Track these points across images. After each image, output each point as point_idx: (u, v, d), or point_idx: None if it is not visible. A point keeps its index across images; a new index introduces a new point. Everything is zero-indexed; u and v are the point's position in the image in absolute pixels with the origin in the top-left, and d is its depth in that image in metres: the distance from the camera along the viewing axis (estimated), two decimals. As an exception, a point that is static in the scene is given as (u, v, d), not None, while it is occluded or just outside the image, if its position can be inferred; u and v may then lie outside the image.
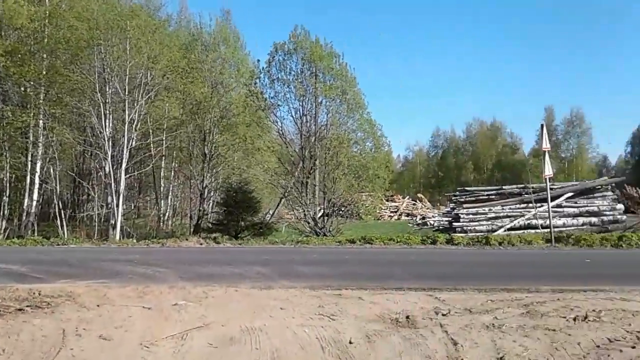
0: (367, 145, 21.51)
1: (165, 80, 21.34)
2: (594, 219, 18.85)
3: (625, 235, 14.55)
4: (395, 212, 34.55)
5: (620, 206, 20.09)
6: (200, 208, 22.88)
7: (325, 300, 6.28)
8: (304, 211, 19.49)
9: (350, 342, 4.61)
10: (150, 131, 22.60)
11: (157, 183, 26.90)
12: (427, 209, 37.10)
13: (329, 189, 19.95)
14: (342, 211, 21.06)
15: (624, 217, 19.67)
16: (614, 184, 23.86)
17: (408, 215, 34.06)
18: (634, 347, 4.43)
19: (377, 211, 28.83)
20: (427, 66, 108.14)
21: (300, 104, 20.89)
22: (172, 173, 27.14)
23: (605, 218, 18.94)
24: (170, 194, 27.10)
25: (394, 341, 4.67)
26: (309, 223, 18.99)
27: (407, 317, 5.43)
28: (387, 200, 34.68)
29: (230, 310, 5.69)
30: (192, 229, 22.00)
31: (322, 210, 20.17)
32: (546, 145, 15.82)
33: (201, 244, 15.50)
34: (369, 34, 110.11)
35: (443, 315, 5.54)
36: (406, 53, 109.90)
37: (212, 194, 24.25)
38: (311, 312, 5.63)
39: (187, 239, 16.39)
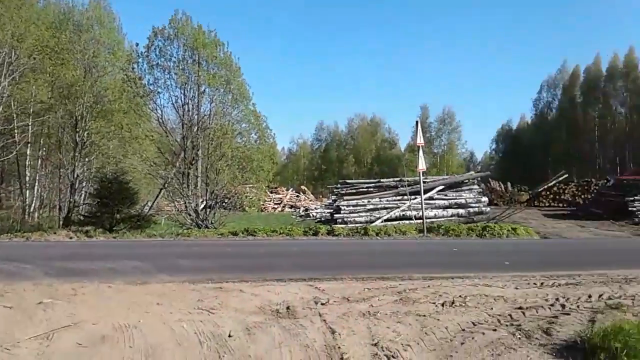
0: (251, 137, 21.29)
1: (32, 61, 19.65)
2: (461, 211, 20.26)
3: (489, 225, 15.86)
4: (279, 203, 34.77)
5: (485, 199, 21.79)
6: (71, 199, 21.39)
7: (205, 293, 6.17)
8: (185, 203, 18.93)
9: (230, 336, 4.58)
10: (15, 115, 20.70)
11: (22, 172, 24.68)
12: (310, 200, 37.74)
13: (212, 181, 19.52)
14: (226, 203, 20.75)
15: (488, 208, 21.36)
16: (479, 178, 25.84)
17: (292, 207, 34.42)
18: (495, 330, 4.82)
19: (261, 203, 28.83)
20: (312, 61, 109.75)
21: (182, 92, 20.07)
22: (39, 161, 25.09)
23: (471, 210, 20.42)
24: (37, 184, 24.98)
25: (273, 332, 4.70)
26: (190, 215, 18.49)
27: (288, 307, 5.49)
28: (272, 192, 34.83)
29: (103, 308, 5.39)
30: (61, 222, 20.50)
31: (204, 202, 19.71)
32: (420, 140, 16.73)
33: (71, 238, 14.50)
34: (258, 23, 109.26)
35: (322, 304, 5.67)
36: (295, 47, 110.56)
37: (84, 184, 22.75)
38: (190, 307, 5.50)
39: (55, 233, 15.27)
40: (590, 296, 6.08)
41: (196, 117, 20.20)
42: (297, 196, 38.08)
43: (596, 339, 4.31)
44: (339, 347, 4.37)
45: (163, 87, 20.05)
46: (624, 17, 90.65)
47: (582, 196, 31.61)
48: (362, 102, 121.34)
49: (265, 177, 21.23)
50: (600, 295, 6.11)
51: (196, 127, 20.00)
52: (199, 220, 18.32)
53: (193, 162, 19.88)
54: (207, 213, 19.03)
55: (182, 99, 20.13)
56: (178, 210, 19.62)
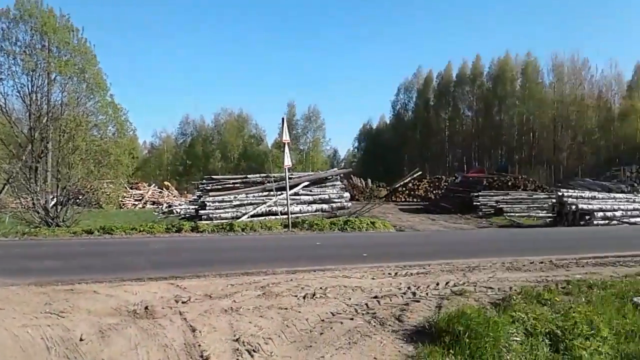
0: (109, 130, 20.06)
1: None
2: (325, 206, 20.86)
3: (350, 219, 16.53)
4: (140, 200, 33.27)
5: (347, 194, 22.66)
6: None
7: (54, 296, 5.68)
8: (33, 199, 17.36)
9: (81, 339, 4.28)
10: None
11: None
12: (174, 196, 36.59)
13: (64, 175, 18.08)
14: (80, 199, 19.39)
15: (350, 204, 22.24)
16: (342, 175, 26.80)
17: (154, 203, 33.12)
18: (352, 319, 5.02)
19: (120, 199, 27.39)
20: (179, 53, 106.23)
21: (29, 79, 18.37)
22: None
23: (334, 204, 21.11)
24: None
25: (130, 334, 4.48)
26: (38, 213, 16.98)
27: (146, 307, 5.25)
28: (132, 188, 33.22)
29: None
30: None
31: (54, 199, 18.23)
32: (286, 137, 16.98)
33: None
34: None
35: (183, 302, 5.50)
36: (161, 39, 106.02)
37: None
38: (36, 311, 5.03)
39: None
40: (438, 284, 6.55)
41: (46, 107, 18.59)
42: (160, 192, 36.71)
43: (442, 324, 4.67)
44: (199, 345, 4.29)
45: (7, 74, 18.17)
46: (474, 27, 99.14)
47: (434, 192, 34.16)
48: (230, 97, 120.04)
49: (124, 172, 20.16)
50: (446, 283, 6.60)
51: (45, 118, 18.41)
52: (49, 219, 16.91)
53: (42, 156, 18.30)
54: (59, 210, 17.62)
55: (30, 87, 18.40)
56: (25, 207, 17.94)
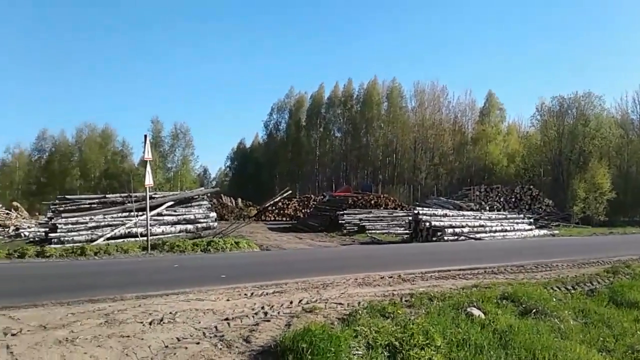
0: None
1: None
2: (190, 227, 20.30)
3: (214, 240, 16.26)
4: (-17, 222, 30.02)
5: (214, 214, 22.24)
6: None
7: None
8: None
9: None
10: None
11: None
12: (24, 218, 33.46)
13: None
14: None
15: (216, 223, 21.85)
16: (210, 194, 26.35)
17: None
18: (198, 343, 4.88)
19: (-43, 222, 24.53)
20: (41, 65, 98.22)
21: None
22: None
23: (199, 225, 20.62)
24: None
25: (-58, 374, 4.00)
26: None
27: (-32, 343, 4.73)
28: (-27, 210, 29.93)
29: None
30: None
31: None
32: (148, 155, 16.36)
33: None
34: None
35: (13, 335, 5.02)
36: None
37: None
38: None
39: None
40: (291, 302, 6.60)
41: None
42: (7, 214, 33.34)
43: (287, 342, 4.70)
44: (23, 382, 3.92)
45: None
46: (348, 51, 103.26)
47: (303, 210, 34.88)
48: (93, 110, 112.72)
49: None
50: (300, 301, 6.68)
51: None
52: None
53: None
54: None
55: None
56: None
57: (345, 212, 26.33)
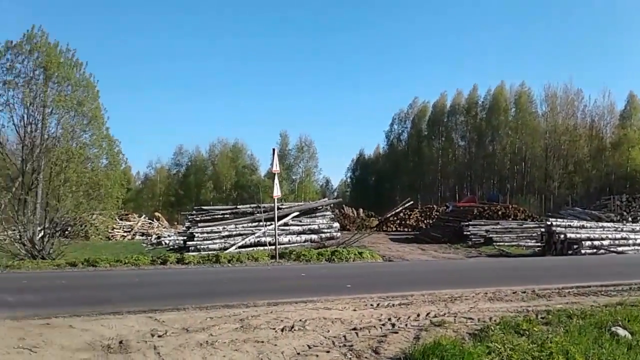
0: (101, 162, 20.09)
1: None
2: (314, 236, 20.80)
3: (338, 250, 16.48)
4: (130, 231, 33.09)
5: (337, 224, 22.61)
6: None
7: (29, 331, 5.61)
8: (20, 232, 17.25)
9: (50, 375, 4.24)
10: None
11: None
12: (164, 228, 36.45)
13: (53, 208, 18.03)
14: (68, 231, 19.27)
15: (339, 234, 22.19)
16: (333, 205, 26.81)
17: (143, 234, 32.95)
18: (328, 352, 4.96)
19: (109, 231, 27.23)
20: (172, 84, 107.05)
21: (26, 111, 18.46)
22: None
23: (323, 235, 21.05)
24: None
25: (101, 369, 4.44)
26: (24, 245, 16.85)
27: (121, 342, 5.20)
28: (121, 219, 33.07)
29: None
30: None
31: (42, 231, 18.10)
32: (276, 168, 17.05)
33: None
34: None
35: (159, 336, 5.45)
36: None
37: None
38: (9, 346, 4.97)
39: None
40: (418, 315, 6.51)
41: (40, 139, 18.65)
42: (150, 223, 36.54)
43: (417, 355, 4.63)
44: (169, 380, 4.24)
45: (4, 105, 18.27)
46: (470, 58, 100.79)
47: (425, 221, 34.26)
48: (224, 126, 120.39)
49: (114, 203, 20.12)
50: (427, 314, 6.56)
51: (38, 150, 18.46)
52: (35, 251, 16.76)
53: (32, 188, 18.27)
54: (45, 242, 17.49)
55: (25, 119, 18.50)
56: (11, 239, 17.80)
57: (470, 223, 25.47)
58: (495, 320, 6.10)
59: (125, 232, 32.73)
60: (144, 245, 25.61)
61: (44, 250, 17.03)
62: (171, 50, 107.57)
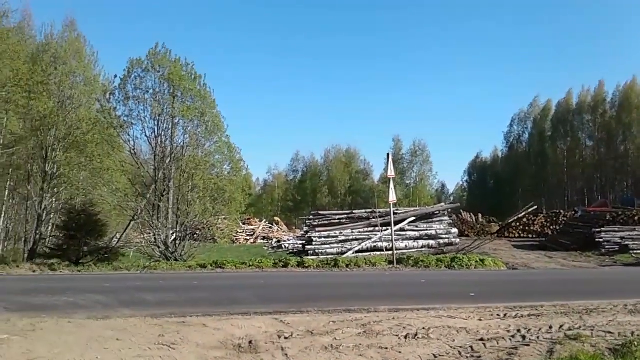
0: (224, 168, 21.26)
1: (5, 93, 19.37)
2: (432, 242, 20.40)
3: (458, 256, 16.01)
4: (252, 235, 34.51)
5: (455, 230, 22.01)
6: (37, 231, 20.89)
7: (167, 328, 6.06)
8: (155, 235, 18.69)
9: (189, 371, 4.52)
10: (-17, 146, 20.30)
11: (-12, 203, 24.09)
12: (283, 232, 37.53)
13: (183, 212, 19.36)
14: (197, 235, 20.55)
15: (458, 240, 21.56)
16: (450, 210, 26.12)
17: (264, 238, 34.19)
18: (455, 362, 4.87)
19: (233, 234, 28.60)
20: (288, 91, 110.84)
21: (156, 123, 20.09)
22: (7, 192, 24.54)
23: (441, 241, 20.59)
24: (3, 215, 24.36)
25: (233, 368, 4.66)
26: (159, 247, 18.23)
27: (250, 342, 5.43)
28: (244, 224, 34.59)
29: (61, 344, 5.25)
30: (26, 255, 20.01)
31: (174, 234, 19.49)
32: (391, 173, 16.98)
33: (34, 272, 14.18)
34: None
35: (286, 338, 5.63)
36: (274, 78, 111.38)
37: (52, 216, 22.28)
38: (150, 342, 5.40)
39: (18, 266, 14.92)
40: (551, 327, 6.16)
41: (169, 148, 20.14)
42: (270, 227, 37.84)
43: (553, 370, 4.39)
44: (299, 382, 4.36)
45: (137, 119, 20.01)
46: (595, 54, 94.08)
47: (551, 227, 32.17)
48: (338, 132, 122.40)
49: (238, 208, 21.14)
50: (560, 326, 6.19)
51: (168, 159, 19.91)
52: (168, 253, 18.08)
53: (164, 194, 19.73)
54: (177, 245, 18.79)
55: (156, 131, 20.10)
56: (148, 242, 19.35)
57: (602, 229, 23.54)
58: (638, 335, 5.61)
59: (248, 235, 34.17)
60: (266, 248, 26.61)
61: (176, 252, 18.31)
62: (285, 58, 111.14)
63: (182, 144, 20.31)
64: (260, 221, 38.54)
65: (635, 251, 21.05)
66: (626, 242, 21.98)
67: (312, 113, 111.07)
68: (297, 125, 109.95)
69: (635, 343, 5.22)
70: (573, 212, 34.18)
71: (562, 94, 65.49)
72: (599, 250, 21.95)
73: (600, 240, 22.62)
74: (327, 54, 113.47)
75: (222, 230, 21.88)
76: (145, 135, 20.12)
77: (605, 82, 59.47)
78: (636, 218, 25.32)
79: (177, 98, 19.98)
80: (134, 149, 20.35)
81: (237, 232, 31.07)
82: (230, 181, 20.57)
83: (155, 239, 18.66)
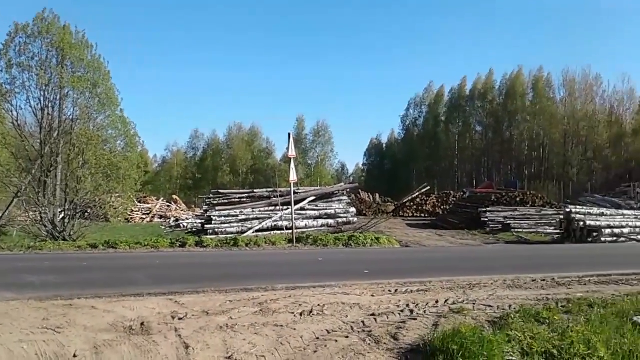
0: (118, 144, 20.26)
1: None
2: (331, 221, 20.83)
3: (355, 235, 16.49)
4: (148, 214, 33.42)
5: (353, 209, 22.60)
6: None
7: (52, 311, 5.71)
8: (41, 213, 17.51)
9: (75, 356, 4.29)
10: None
11: None
12: (182, 210, 36.71)
13: (72, 189, 18.25)
14: (88, 213, 19.51)
15: (356, 219, 22.18)
16: (349, 190, 26.77)
17: (162, 217, 33.25)
18: (347, 337, 4.97)
19: (128, 213, 27.51)
20: (191, 68, 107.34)
21: (42, 93, 18.57)
22: None
23: (340, 220, 21.07)
24: None
25: (123, 350, 4.48)
26: (45, 226, 17.11)
27: (142, 323, 5.26)
28: (140, 202, 33.40)
29: None
30: None
31: (62, 213, 18.36)
32: (292, 152, 17.04)
33: None
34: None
35: (180, 319, 5.51)
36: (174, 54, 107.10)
37: None
38: (34, 326, 5.05)
39: None
40: (437, 302, 6.50)
41: (57, 121, 18.81)
42: (168, 206, 36.85)
43: (437, 342, 4.62)
44: (191, 363, 4.30)
45: (21, 88, 18.42)
46: (487, 42, 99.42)
47: (442, 207, 34.06)
48: (242, 111, 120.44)
49: (133, 186, 20.30)
50: (446, 301, 6.55)
51: (57, 132, 18.63)
52: (56, 232, 17.03)
53: (52, 170, 18.48)
54: (66, 224, 17.74)
55: (42, 102, 18.65)
56: (33, 221, 18.09)
57: (488, 209, 25.28)
58: (514, 308, 6.07)
59: (143, 214, 33.05)
60: (163, 227, 25.85)
61: (65, 231, 17.30)
62: (186, 32, 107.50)
63: (72, 116, 19.02)
64: (158, 199, 37.39)
65: (516, 230, 22.84)
66: (508, 222, 23.79)
67: (214, 90, 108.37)
68: (198, 102, 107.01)
69: (512, 315, 5.66)
70: (462, 193, 36.40)
71: (454, 80, 69.05)
72: (484, 229, 23.59)
73: (486, 219, 24.30)
74: (230, 30, 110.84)
75: (115, 208, 20.88)
76: (30, 106, 18.63)
77: (494, 70, 63.32)
78: (518, 199, 27.40)
79: (66, 67, 18.66)
80: (17, 121, 18.76)
81: (132, 210, 29.95)
82: (124, 157, 19.65)
83: (41, 217, 17.47)
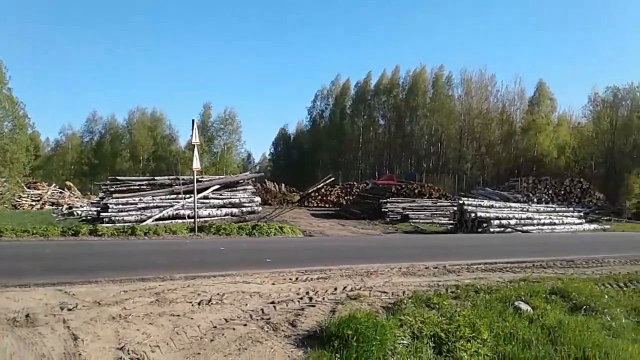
0: (5, 125, 18.83)
1: None
2: (235, 210, 20.64)
3: (259, 224, 16.48)
4: (39, 200, 31.27)
5: (258, 199, 22.55)
6: None
7: None
8: None
9: (-50, 351, 3.98)
10: None
11: None
12: (76, 197, 34.69)
13: (-50, 172, 16.79)
14: (-32, 199, 18.02)
15: (260, 208, 22.15)
16: (254, 179, 26.65)
17: (53, 204, 31.23)
18: (245, 325, 4.99)
19: (15, 199, 25.62)
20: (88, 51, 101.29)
21: None
22: None
23: (244, 209, 20.95)
24: None
25: (5, 343, 4.22)
26: None
27: (27, 315, 4.95)
28: (29, 188, 31.18)
29: None
30: None
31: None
32: (196, 139, 16.67)
33: None
34: None
35: (69, 310, 5.24)
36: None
37: None
38: None
39: None
40: (335, 289, 6.66)
41: None
42: (61, 192, 34.66)
43: (332, 328, 4.75)
44: (80, 354, 4.10)
45: None
46: (395, 39, 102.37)
47: (345, 198, 34.85)
48: (145, 95, 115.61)
49: (21, 170, 19.00)
50: (344, 288, 6.73)
51: None
52: None
53: None
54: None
55: None
56: None
57: (388, 200, 26.18)
58: (407, 294, 6.37)
59: (33, 201, 30.78)
60: (54, 215, 24.26)
61: (-60, 218, 15.84)
62: (86, 6, 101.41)
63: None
64: (49, 185, 35.09)
65: (414, 220, 23.87)
66: (407, 212, 24.81)
67: (113, 71, 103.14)
68: (96, 84, 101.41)
69: (405, 301, 5.93)
70: (364, 185, 37.42)
71: (362, 74, 70.55)
72: (385, 219, 24.43)
73: (386, 210, 25.18)
74: (134, 10, 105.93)
75: (1, 194, 19.43)
76: None
77: (400, 67, 65.42)
78: (416, 191, 28.61)
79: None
80: None
81: (21, 196, 27.88)
82: (12, 139, 18.33)
83: None
